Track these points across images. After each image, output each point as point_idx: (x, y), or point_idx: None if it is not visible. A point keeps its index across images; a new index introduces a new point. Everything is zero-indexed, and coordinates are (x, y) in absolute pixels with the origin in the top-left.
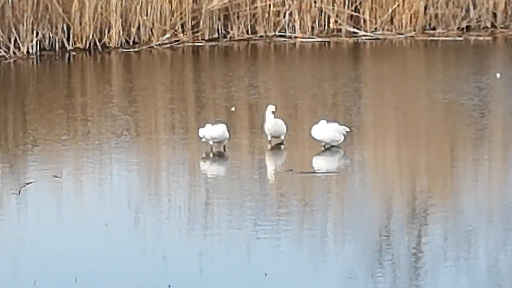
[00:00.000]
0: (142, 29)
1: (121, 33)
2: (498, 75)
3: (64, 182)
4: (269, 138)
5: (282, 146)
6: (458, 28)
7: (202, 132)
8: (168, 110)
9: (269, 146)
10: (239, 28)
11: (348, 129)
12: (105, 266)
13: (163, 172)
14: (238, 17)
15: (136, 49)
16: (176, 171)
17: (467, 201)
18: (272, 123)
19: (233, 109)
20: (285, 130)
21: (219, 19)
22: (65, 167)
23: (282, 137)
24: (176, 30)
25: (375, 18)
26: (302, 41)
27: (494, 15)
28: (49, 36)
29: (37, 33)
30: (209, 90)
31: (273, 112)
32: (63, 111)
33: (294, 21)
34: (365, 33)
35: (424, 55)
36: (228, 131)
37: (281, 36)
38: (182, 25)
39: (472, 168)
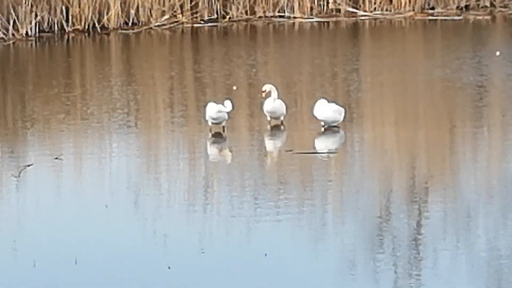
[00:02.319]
0: (141, 10)
1: (119, 14)
2: (497, 53)
3: (63, 163)
4: (268, 118)
5: (281, 127)
6: (457, 7)
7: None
8: (167, 90)
9: (268, 127)
10: (238, 8)
11: (343, 110)
12: (105, 248)
13: (163, 153)
14: None
15: (135, 31)
16: (175, 152)
17: (466, 179)
18: (271, 105)
19: (235, 87)
20: (285, 111)
21: (218, 0)
22: (65, 149)
23: (282, 118)
24: (175, 11)
25: None
26: (301, 22)
27: None
28: (48, 18)
29: (36, 15)
30: (208, 70)
31: (264, 91)
32: (62, 92)
33: (293, 1)
34: (364, 13)
35: (423, 34)
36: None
37: (280, 16)
38: (181, 6)
39: (472, 147)
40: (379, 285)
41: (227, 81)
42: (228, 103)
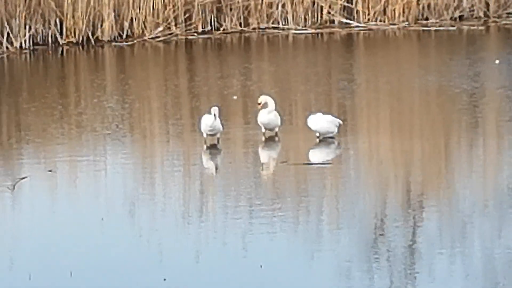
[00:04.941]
0: (135, 22)
1: (114, 26)
2: (497, 61)
3: (58, 176)
4: (263, 130)
5: (276, 138)
6: (451, 18)
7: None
8: (162, 102)
9: (263, 138)
10: (232, 20)
11: (341, 122)
12: (100, 260)
13: (158, 165)
14: (231, 10)
15: (129, 43)
16: (170, 164)
17: (462, 190)
18: (266, 117)
19: (235, 97)
20: (279, 122)
21: (211, 11)
22: (60, 161)
23: (276, 129)
24: (169, 23)
25: (368, 9)
26: (295, 33)
27: (487, 4)
28: (42, 31)
29: (30, 28)
30: (203, 82)
31: (259, 104)
32: (56, 105)
33: (287, 12)
34: (358, 24)
35: (417, 45)
36: (221, 123)
37: (274, 28)
38: (175, 18)
39: (467, 157)
40: None
41: (221, 92)
42: (214, 110)
